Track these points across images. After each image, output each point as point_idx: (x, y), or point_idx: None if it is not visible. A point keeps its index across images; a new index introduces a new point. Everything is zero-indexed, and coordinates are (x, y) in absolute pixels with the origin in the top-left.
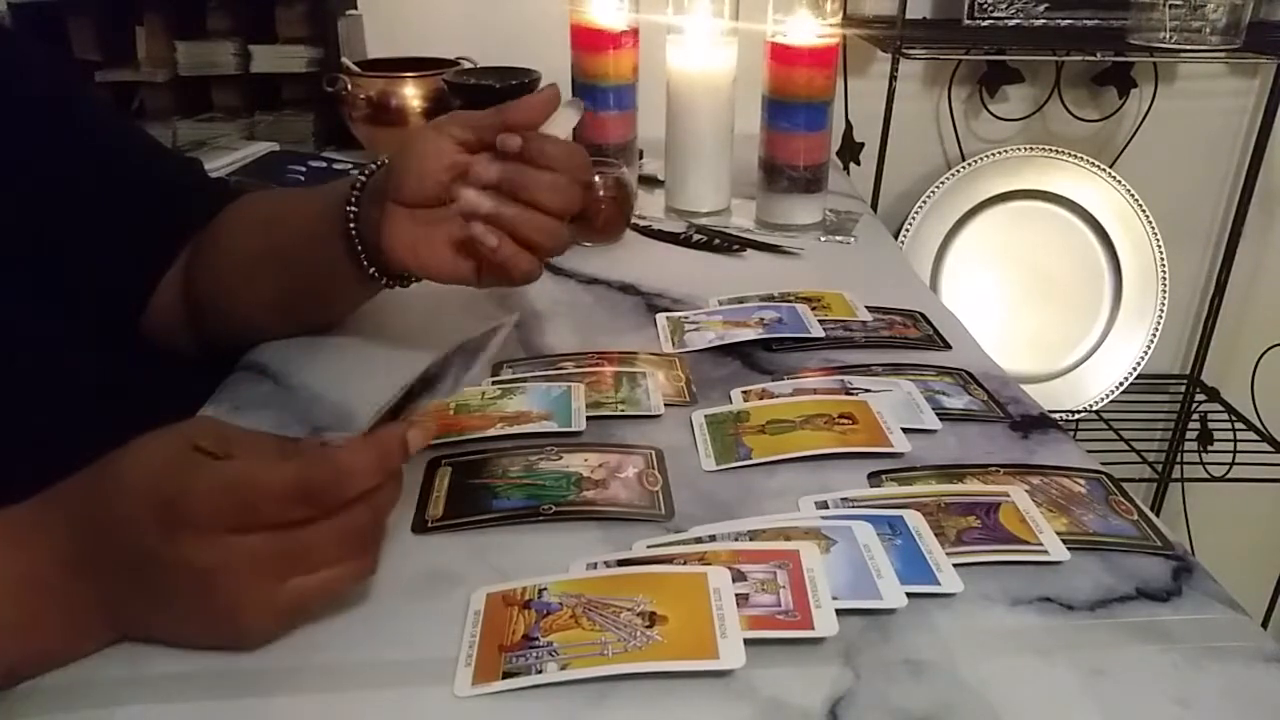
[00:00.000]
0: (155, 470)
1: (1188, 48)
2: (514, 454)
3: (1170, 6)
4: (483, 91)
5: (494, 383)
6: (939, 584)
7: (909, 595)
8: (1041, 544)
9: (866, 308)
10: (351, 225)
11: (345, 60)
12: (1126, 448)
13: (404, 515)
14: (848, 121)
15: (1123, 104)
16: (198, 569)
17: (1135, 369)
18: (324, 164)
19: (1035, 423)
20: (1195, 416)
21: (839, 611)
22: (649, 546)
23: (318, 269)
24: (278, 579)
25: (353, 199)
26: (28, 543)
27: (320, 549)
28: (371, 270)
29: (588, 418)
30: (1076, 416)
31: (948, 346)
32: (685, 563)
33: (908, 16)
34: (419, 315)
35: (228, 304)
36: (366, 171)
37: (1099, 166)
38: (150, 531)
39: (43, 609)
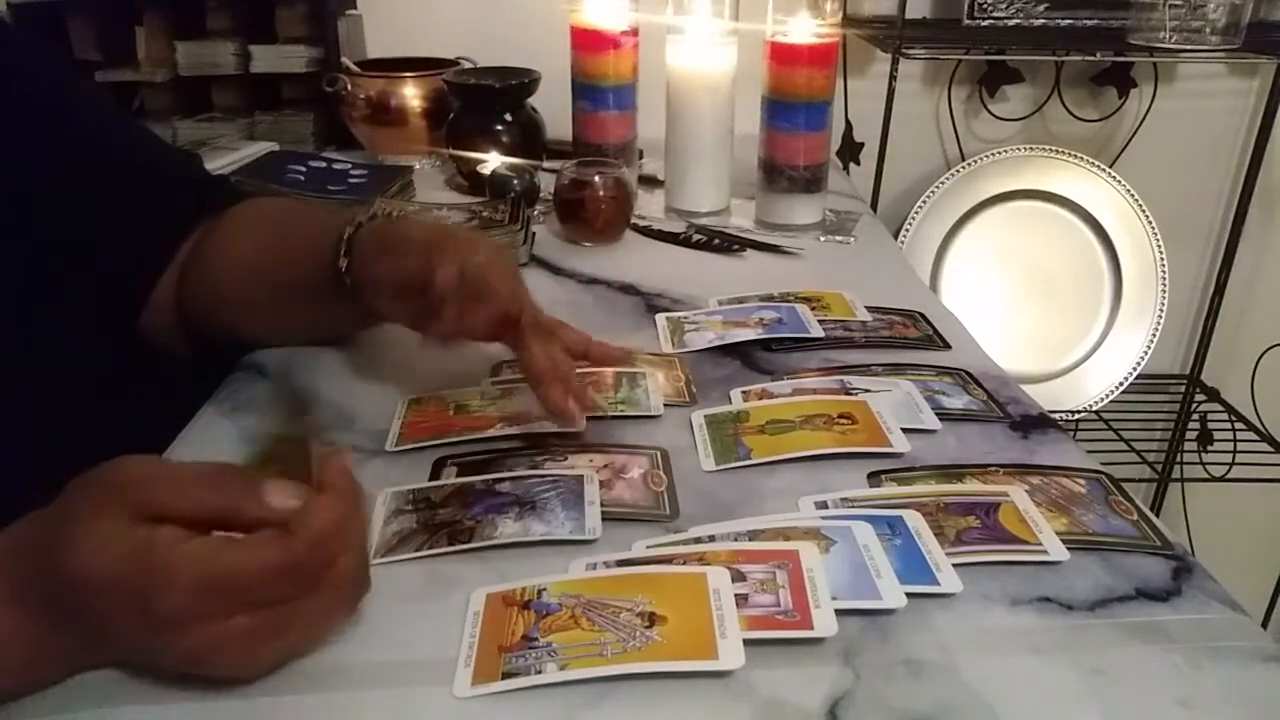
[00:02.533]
0: (117, 563)
1: (1188, 48)
2: (519, 454)
3: (1170, 6)
4: (483, 91)
5: (494, 383)
6: (938, 584)
7: (908, 595)
8: (1041, 544)
9: (866, 308)
10: (346, 280)
11: (345, 60)
12: (1126, 448)
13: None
14: (848, 121)
15: (1123, 104)
16: (186, 651)
17: (1135, 369)
18: (324, 164)
19: (1035, 423)
20: (1195, 416)
21: (838, 612)
22: (648, 547)
23: (315, 307)
24: (267, 642)
25: (341, 254)
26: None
27: (314, 609)
28: (369, 312)
29: (587, 418)
30: (1076, 416)
31: (947, 346)
32: (685, 563)
33: (908, 16)
34: None
35: (225, 315)
36: (355, 224)
37: (1099, 166)
38: (129, 626)
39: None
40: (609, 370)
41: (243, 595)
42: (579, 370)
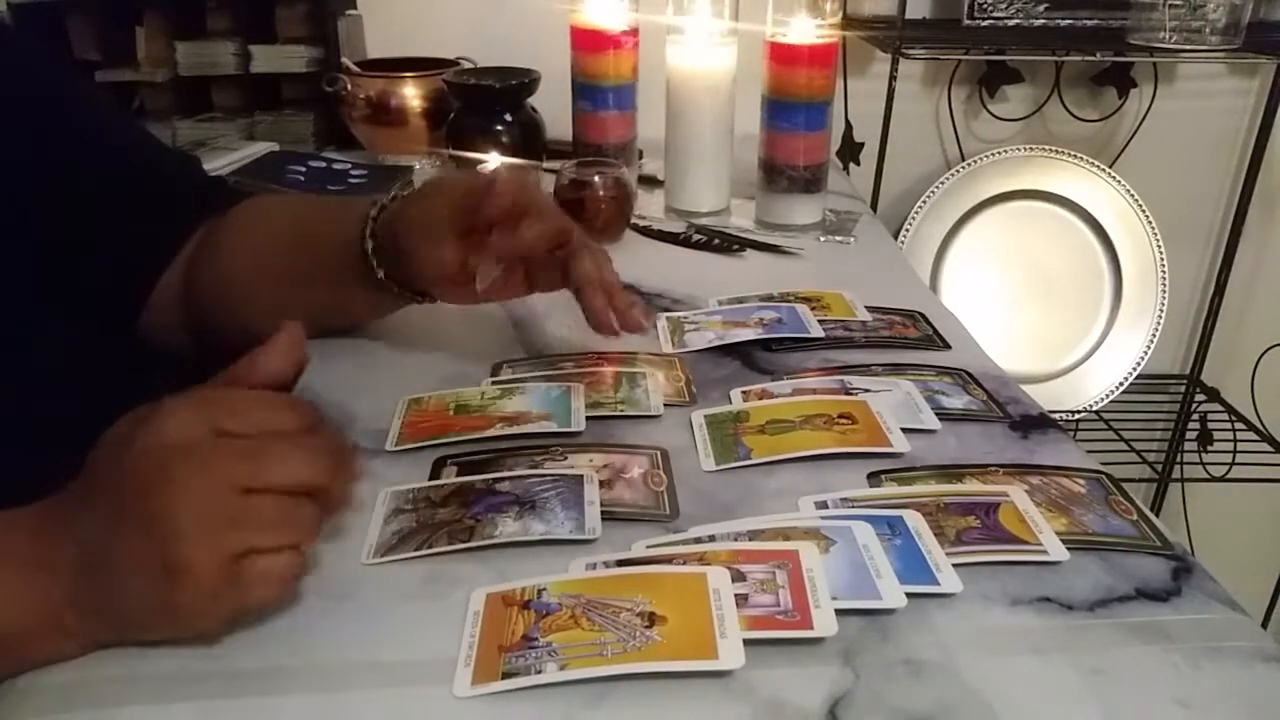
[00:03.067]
0: (129, 416)
1: (1188, 48)
2: (519, 454)
3: (1170, 6)
4: (483, 91)
5: (493, 383)
6: (938, 584)
7: (908, 595)
8: (1041, 544)
9: (866, 308)
10: (372, 260)
11: (345, 60)
12: (1126, 448)
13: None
14: (848, 121)
15: (1123, 104)
16: (154, 436)
17: (1135, 369)
18: (324, 164)
19: (1035, 423)
20: (1195, 416)
21: (838, 611)
22: (648, 547)
23: (336, 292)
24: (236, 486)
25: (368, 233)
26: None
27: (289, 457)
28: (395, 290)
29: (587, 418)
30: (1076, 416)
31: (947, 346)
32: (685, 563)
33: (908, 16)
34: (420, 316)
35: (233, 310)
36: (381, 204)
37: (1099, 166)
38: (122, 439)
39: None
40: (609, 370)
41: (239, 403)
42: (580, 371)
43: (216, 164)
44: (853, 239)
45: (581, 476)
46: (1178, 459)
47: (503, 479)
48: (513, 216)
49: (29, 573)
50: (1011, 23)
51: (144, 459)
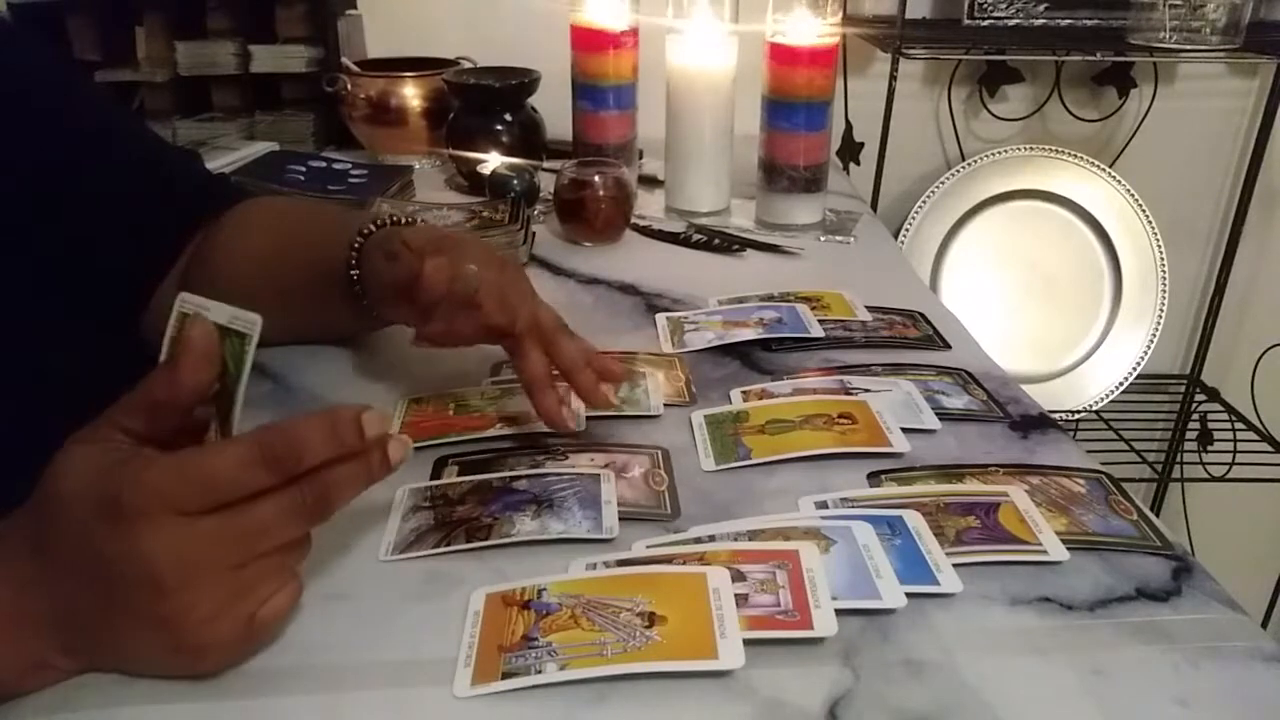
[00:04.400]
0: (93, 472)
1: (1187, 48)
2: (520, 454)
3: (1170, 6)
4: (483, 91)
5: (493, 383)
6: (938, 584)
7: (908, 595)
8: (1041, 544)
9: (866, 308)
10: (356, 286)
11: (345, 60)
12: (1126, 448)
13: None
14: (848, 121)
15: (1123, 104)
16: (148, 558)
17: (1135, 369)
18: (324, 164)
19: (1035, 423)
20: (1195, 416)
21: (838, 611)
22: (648, 546)
23: (323, 307)
24: (233, 565)
25: (353, 259)
26: None
27: (275, 524)
28: (376, 315)
29: (588, 418)
30: (1076, 416)
31: (947, 346)
32: (685, 563)
33: (908, 16)
34: None
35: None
36: (365, 231)
37: (1099, 166)
38: (97, 531)
39: None
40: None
41: (212, 484)
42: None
43: (216, 164)
44: (853, 239)
45: (599, 475)
46: (1178, 459)
47: (520, 477)
48: (450, 304)
49: (15, 624)
50: (1011, 23)
51: (128, 566)
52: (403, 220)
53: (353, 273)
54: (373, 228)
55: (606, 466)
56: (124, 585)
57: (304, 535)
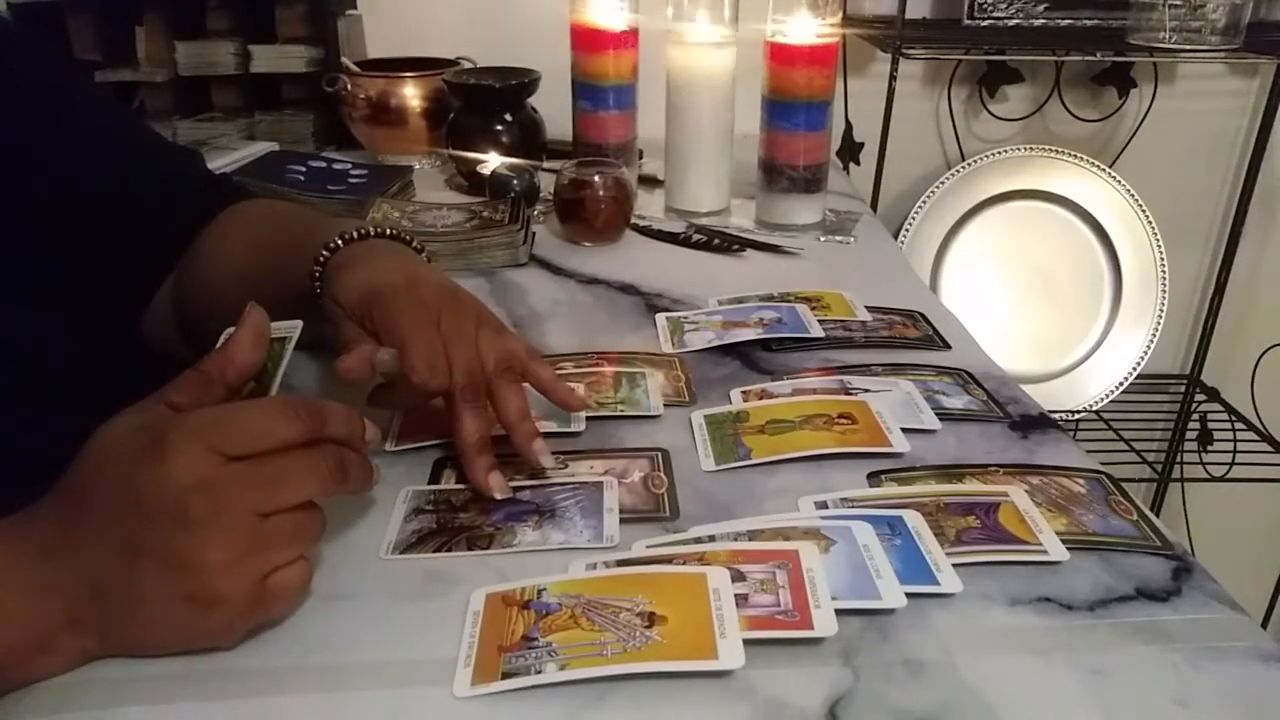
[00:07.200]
0: (138, 424)
1: (1187, 48)
2: (517, 459)
3: (1170, 6)
4: (483, 91)
5: None
6: (938, 584)
7: (908, 595)
8: (1041, 544)
9: (866, 308)
10: (320, 300)
11: (345, 60)
12: (1126, 448)
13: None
14: (848, 121)
15: (1123, 104)
16: (179, 485)
17: (1135, 369)
18: (324, 164)
19: (1035, 423)
20: (1195, 416)
21: (838, 611)
22: (648, 547)
23: (307, 316)
24: (254, 510)
25: (317, 274)
26: None
27: (295, 476)
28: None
29: (587, 418)
30: (1076, 416)
31: (947, 346)
32: (684, 563)
33: (908, 16)
34: None
35: (218, 318)
36: (332, 245)
37: (1099, 166)
38: (136, 469)
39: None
40: (609, 370)
41: (247, 429)
42: (579, 371)
43: (216, 164)
44: (853, 239)
45: (601, 483)
46: (1178, 459)
47: (523, 487)
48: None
49: (32, 593)
50: (1011, 23)
51: (158, 498)
52: (369, 233)
53: (318, 287)
54: (339, 243)
55: (606, 473)
56: (150, 523)
57: (318, 512)
